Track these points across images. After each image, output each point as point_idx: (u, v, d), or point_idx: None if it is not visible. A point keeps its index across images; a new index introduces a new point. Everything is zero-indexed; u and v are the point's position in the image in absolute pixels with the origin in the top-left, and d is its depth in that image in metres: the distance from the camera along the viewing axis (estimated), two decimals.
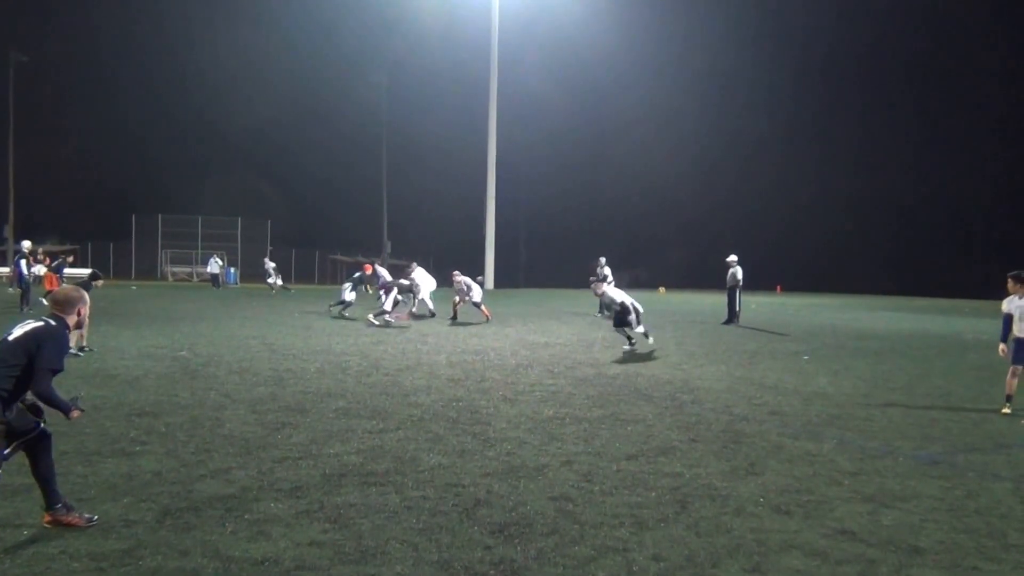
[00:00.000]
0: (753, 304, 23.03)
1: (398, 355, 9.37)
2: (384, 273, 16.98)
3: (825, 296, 37.03)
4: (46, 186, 42.66)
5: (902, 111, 51.18)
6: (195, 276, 38.50)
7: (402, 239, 42.87)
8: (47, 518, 3.27)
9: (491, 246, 29.28)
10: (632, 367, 8.87)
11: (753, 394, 7.15)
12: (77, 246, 35.67)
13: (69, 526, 3.26)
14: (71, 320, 3.37)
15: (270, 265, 27.12)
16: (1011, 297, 6.43)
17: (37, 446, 3.25)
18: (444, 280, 17.20)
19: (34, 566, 2.91)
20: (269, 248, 36.82)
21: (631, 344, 10.22)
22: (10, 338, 3.21)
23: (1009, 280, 6.43)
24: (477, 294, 14.89)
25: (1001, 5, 45.83)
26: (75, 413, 3.26)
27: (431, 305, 15.31)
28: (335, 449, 4.71)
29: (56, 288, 17.14)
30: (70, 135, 46.15)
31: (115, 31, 49.18)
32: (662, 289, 36.89)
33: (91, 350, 8.82)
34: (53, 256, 29.66)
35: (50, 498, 3.26)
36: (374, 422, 5.49)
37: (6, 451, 3.17)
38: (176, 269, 40.10)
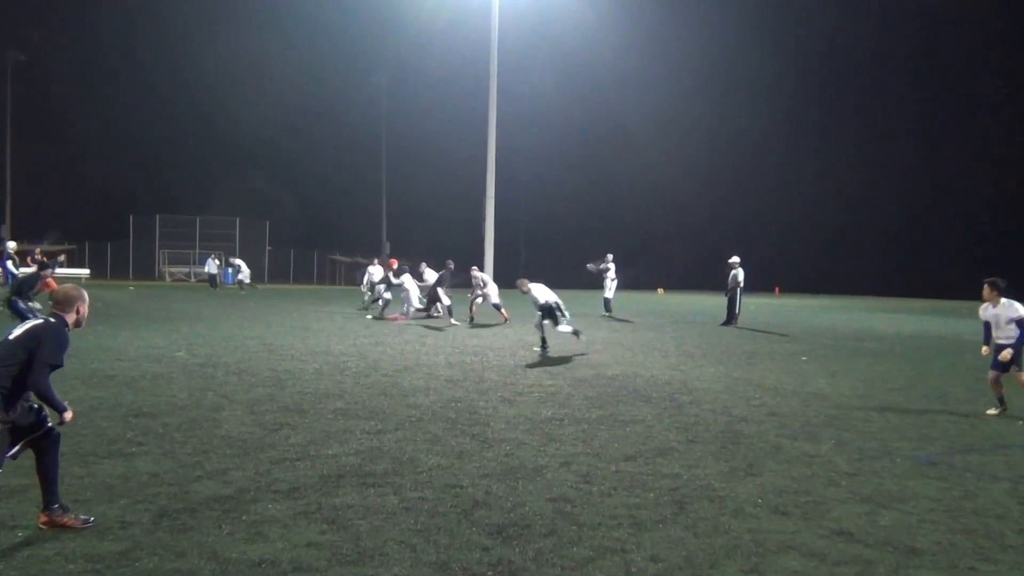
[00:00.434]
0: (752, 305, 23.05)
1: (397, 356, 9.36)
2: (377, 272, 17.11)
3: (823, 297, 37.09)
4: (43, 186, 42.61)
5: (902, 113, 51.34)
6: (192, 276, 38.44)
7: (401, 239, 42.86)
8: (43, 518, 3.26)
9: (490, 246, 29.25)
10: (631, 368, 8.87)
11: (751, 395, 7.15)
12: (75, 246, 35.62)
13: (65, 527, 3.25)
14: (70, 318, 3.38)
15: (237, 262, 26.87)
16: (986, 305, 6.39)
17: (44, 443, 3.28)
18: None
19: (29, 568, 2.90)
20: (268, 246, 36.65)
21: (543, 347, 9.82)
22: (11, 337, 3.24)
23: (984, 287, 6.39)
24: (495, 294, 14.92)
25: (1001, 6, 45.96)
26: (68, 414, 3.26)
27: (416, 305, 15.32)
28: (333, 450, 4.70)
29: (54, 288, 16.99)
30: (68, 135, 46.09)
31: (114, 31, 49.14)
32: (661, 290, 36.92)
33: None
34: (51, 256, 29.59)
35: (49, 497, 3.26)
36: (372, 423, 5.48)
37: (14, 450, 3.18)
38: (174, 269, 40.04)
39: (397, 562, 3.02)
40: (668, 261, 45.46)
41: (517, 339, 11.83)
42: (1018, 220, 44.16)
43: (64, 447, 4.58)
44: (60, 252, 21.54)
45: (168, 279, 39.08)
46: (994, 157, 47.04)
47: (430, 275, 16.37)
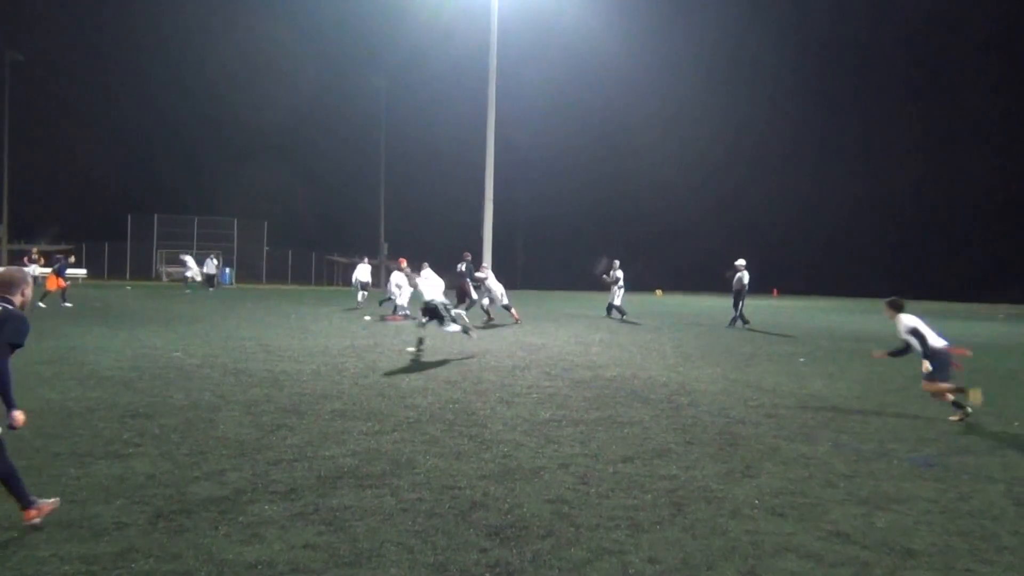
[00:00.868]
0: (749, 307, 23.08)
1: (394, 357, 9.34)
2: (363, 274, 17.16)
3: (821, 299, 37.15)
4: (41, 185, 42.45)
5: (899, 116, 51.53)
6: (165, 276, 38.32)
7: (399, 240, 42.82)
8: (29, 515, 3.25)
9: (488, 248, 29.23)
10: (629, 370, 8.87)
11: (749, 396, 7.16)
12: (72, 245, 35.49)
13: (49, 513, 3.30)
14: (17, 300, 3.37)
15: (188, 259, 26.21)
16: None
17: None
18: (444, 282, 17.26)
19: (25, 569, 2.89)
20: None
21: (418, 347, 9.35)
22: None
23: (884, 306, 6.68)
24: (503, 295, 14.94)
25: (999, 13, 46.17)
26: (18, 415, 3.13)
27: (403, 304, 15.33)
28: (331, 451, 4.69)
29: (62, 286, 16.94)
30: (66, 134, 45.96)
31: (112, 31, 49.04)
32: (659, 291, 36.96)
33: None
34: (48, 255, 29.36)
35: (21, 500, 3.24)
36: (370, 424, 5.47)
37: None
38: (171, 269, 39.95)
39: (394, 563, 3.01)
40: (666, 263, 45.54)
41: (515, 340, 11.83)
42: (1011, 225, 44.33)
43: (60, 447, 4.58)
44: (69, 252, 21.22)
45: (165, 279, 38.99)
46: (992, 161, 47.24)
47: (427, 275, 16.35)
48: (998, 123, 46.78)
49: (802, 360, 10.37)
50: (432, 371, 8.18)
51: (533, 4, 32.47)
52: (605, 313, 17.15)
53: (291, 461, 4.44)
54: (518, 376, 8.01)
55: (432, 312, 9.18)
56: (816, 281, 44.26)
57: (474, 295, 14.75)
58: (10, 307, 3.31)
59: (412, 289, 15.17)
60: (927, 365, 6.21)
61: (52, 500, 3.41)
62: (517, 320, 14.71)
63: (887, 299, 6.75)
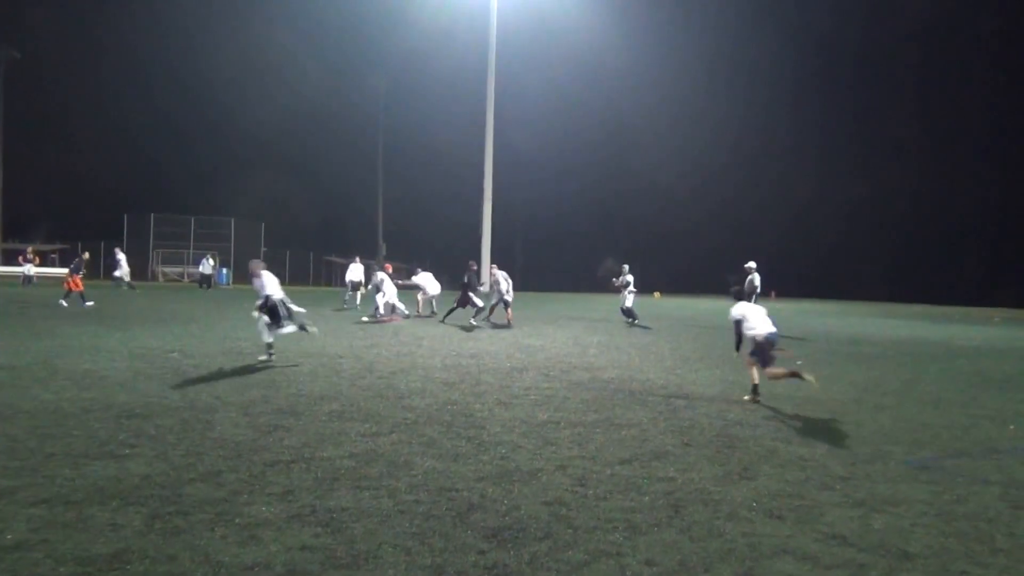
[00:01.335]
0: None
1: (392, 358, 9.33)
2: (355, 274, 17.26)
3: (819, 302, 37.25)
4: (37, 184, 42.27)
5: (899, 121, 51.77)
6: (186, 276, 38.23)
7: (398, 241, 42.79)
8: None
9: (487, 249, 29.24)
10: (627, 372, 8.88)
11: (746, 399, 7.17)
12: (67, 245, 35.35)
13: None
14: None
15: (121, 258, 25.18)
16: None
17: None
18: (443, 283, 17.33)
19: (19, 570, 2.87)
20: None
21: (268, 354, 8.46)
22: None
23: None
24: (509, 293, 14.94)
25: (1001, 18, 46.43)
26: None
27: (383, 306, 15.36)
28: (328, 452, 4.68)
29: (80, 287, 16.71)
30: (62, 133, 45.80)
31: (109, 29, 48.91)
32: (657, 294, 37.01)
33: None
34: (44, 255, 29.10)
35: None
36: (367, 425, 5.46)
37: None
38: (167, 269, 39.81)
39: (392, 565, 3.00)
40: (665, 265, 45.64)
41: (513, 342, 11.83)
42: (1008, 229, 44.53)
43: (55, 448, 4.56)
44: (84, 251, 20.74)
45: (161, 279, 38.85)
46: (988, 168, 47.50)
47: (424, 277, 16.45)
48: (994, 130, 47.07)
49: (799, 363, 10.39)
50: (430, 373, 8.17)
51: (533, 5, 32.48)
52: (625, 319, 16.92)
53: (288, 462, 4.43)
54: (516, 378, 8.01)
55: (271, 310, 8.33)
56: (813, 284, 44.42)
57: (478, 302, 14.82)
58: None
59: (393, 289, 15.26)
60: (748, 351, 7.11)
61: None
62: (509, 321, 14.74)
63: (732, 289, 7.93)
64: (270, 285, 8.49)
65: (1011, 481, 4.57)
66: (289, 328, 8.62)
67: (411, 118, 46.37)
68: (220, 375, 7.51)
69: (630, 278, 16.72)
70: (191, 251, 39.34)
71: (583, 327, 15.40)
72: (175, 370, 7.74)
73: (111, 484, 3.92)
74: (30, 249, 30.18)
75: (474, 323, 14.46)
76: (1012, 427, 6.24)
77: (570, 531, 3.45)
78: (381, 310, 15.13)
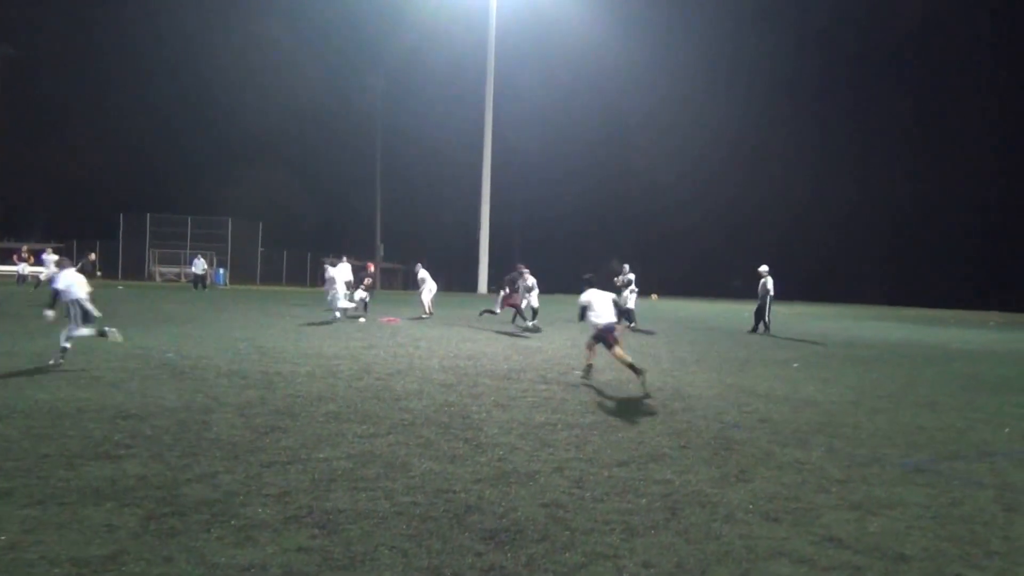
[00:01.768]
0: (745, 312, 23.21)
1: (390, 359, 9.32)
2: (348, 273, 17.44)
3: (816, 305, 37.37)
4: (32, 183, 42.10)
5: (897, 124, 52.00)
6: (183, 276, 38.12)
7: (396, 242, 42.72)
8: None
9: (485, 250, 29.26)
10: (624, 374, 8.88)
11: (743, 401, 7.19)
12: (63, 244, 35.19)
13: None
14: None
15: (49, 258, 24.82)
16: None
17: None
18: (441, 284, 17.37)
19: (14, 571, 2.86)
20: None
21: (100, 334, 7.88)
22: None
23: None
24: (534, 295, 15.05)
25: (1000, 19, 46.72)
26: None
27: (345, 305, 15.49)
28: (324, 454, 4.67)
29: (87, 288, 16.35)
30: (58, 132, 45.63)
31: (106, 28, 48.79)
32: (655, 296, 37.06)
33: None
34: (36, 253, 28.94)
35: None
36: (364, 427, 5.45)
37: None
38: (164, 269, 39.67)
39: (388, 567, 3.00)
40: (663, 267, 45.71)
41: (511, 344, 11.83)
42: (1007, 232, 44.77)
43: (49, 449, 4.53)
44: (90, 252, 20.48)
45: (158, 279, 38.73)
46: (985, 171, 47.75)
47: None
48: (992, 133, 47.32)
49: (796, 365, 10.42)
50: (427, 374, 8.17)
51: (532, 4, 32.53)
52: (625, 321, 16.97)
53: (284, 463, 4.42)
54: (513, 380, 8.01)
55: (83, 312, 7.69)
56: (811, 287, 44.55)
57: (522, 304, 15.00)
58: None
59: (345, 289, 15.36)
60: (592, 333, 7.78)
61: None
62: (498, 312, 14.90)
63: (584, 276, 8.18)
64: (67, 281, 7.68)
65: (1006, 484, 4.59)
66: (85, 331, 7.82)
67: (410, 118, 46.36)
68: (216, 376, 7.48)
69: (631, 277, 16.73)
70: (188, 251, 39.21)
71: (581, 329, 15.40)
72: (171, 370, 7.71)
73: (106, 485, 3.90)
74: (24, 248, 30.07)
75: (529, 325, 14.52)
76: (1007, 430, 6.27)
77: (567, 533, 3.45)
78: (347, 305, 15.26)
